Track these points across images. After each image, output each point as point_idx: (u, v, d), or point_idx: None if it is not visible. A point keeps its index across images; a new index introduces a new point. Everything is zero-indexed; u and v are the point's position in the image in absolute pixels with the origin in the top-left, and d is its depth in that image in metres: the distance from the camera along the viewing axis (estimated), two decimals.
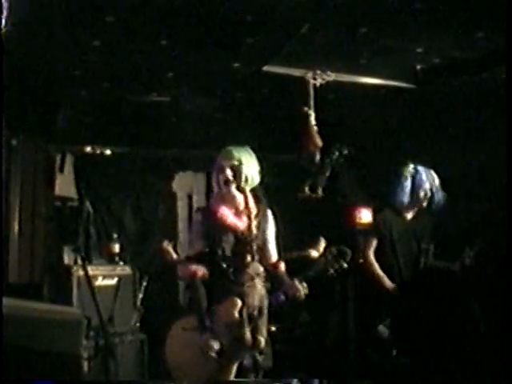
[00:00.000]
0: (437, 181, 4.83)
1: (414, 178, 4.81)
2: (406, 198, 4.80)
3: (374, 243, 4.86)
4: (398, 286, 4.75)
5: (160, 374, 4.27)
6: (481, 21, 4.08)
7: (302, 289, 3.72)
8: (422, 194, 4.78)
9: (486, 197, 5.20)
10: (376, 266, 4.82)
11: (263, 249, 3.82)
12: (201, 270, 3.66)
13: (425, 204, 4.83)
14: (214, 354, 3.50)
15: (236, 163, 3.71)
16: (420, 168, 4.84)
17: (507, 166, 3.75)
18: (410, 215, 4.89)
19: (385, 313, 4.84)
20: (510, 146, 3.70)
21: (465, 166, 5.32)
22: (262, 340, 3.70)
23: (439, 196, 4.81)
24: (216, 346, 3.51)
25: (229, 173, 3.70)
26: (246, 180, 3.73)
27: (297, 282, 3.72)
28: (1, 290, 3.43)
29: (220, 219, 3.75)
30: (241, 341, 3.55)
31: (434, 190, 4.81)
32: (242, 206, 3.77)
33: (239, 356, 3.61)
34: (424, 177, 4.79)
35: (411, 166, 4.85)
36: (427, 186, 4.78)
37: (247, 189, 3.73)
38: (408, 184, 4.80)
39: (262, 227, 3.80)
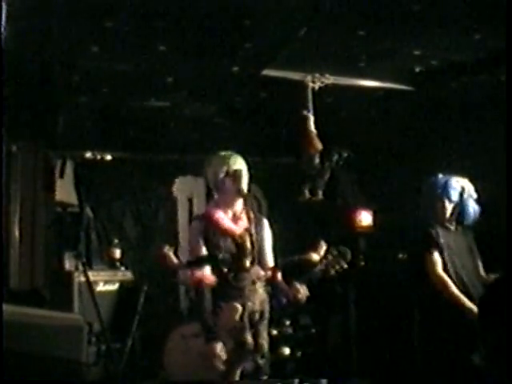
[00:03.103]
0: (468, 190, 4.45)
1: (438, 188, 4.43)
2: (436, 212, 4.40)
3: (440, 260, 4.29)
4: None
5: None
6: (479, 23, 4.09)
7: (303, 291, 3.72)
8: (449, 204, 4.38)
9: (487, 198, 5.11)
10: (452, 285, 4.21)
11: (259, 254, 3.86)
12: (209, 278, 3.67)
13: (459, 217, 4.41)
14: (218, 364, 3.49)
15: (241, 168, 3.83)
16: (448, 177, 4.48)
17: (507, 168, 3.74)
18: (452, 227, 4.46)
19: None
20: (509, 147, 3.69)
21: (464, 169, 5.24)
22: (264, 344, 3.71)
23: (472, 206, 4.41)
24: (223, 354, 3.50)
25: (235, 176, 3.78)
26: (245, 184, 3.81)
27: (298, 285, 3.73)
28: (1, 296, 3.43)
29: (217, 224, 3.81)
30: (242, 345, 3.55)
31: (465, 198, 4.40)
32: (239, 211, 3.83)
33: (241, 360, 3.60)
34: (453, 185, 4.42)
35: (439, 175, 4.51)
36: (456, 195, 4.39)
37: (245, 193, 3.80)
38: (435, 196, 4.42)
39: (258, 232, 3.86)
